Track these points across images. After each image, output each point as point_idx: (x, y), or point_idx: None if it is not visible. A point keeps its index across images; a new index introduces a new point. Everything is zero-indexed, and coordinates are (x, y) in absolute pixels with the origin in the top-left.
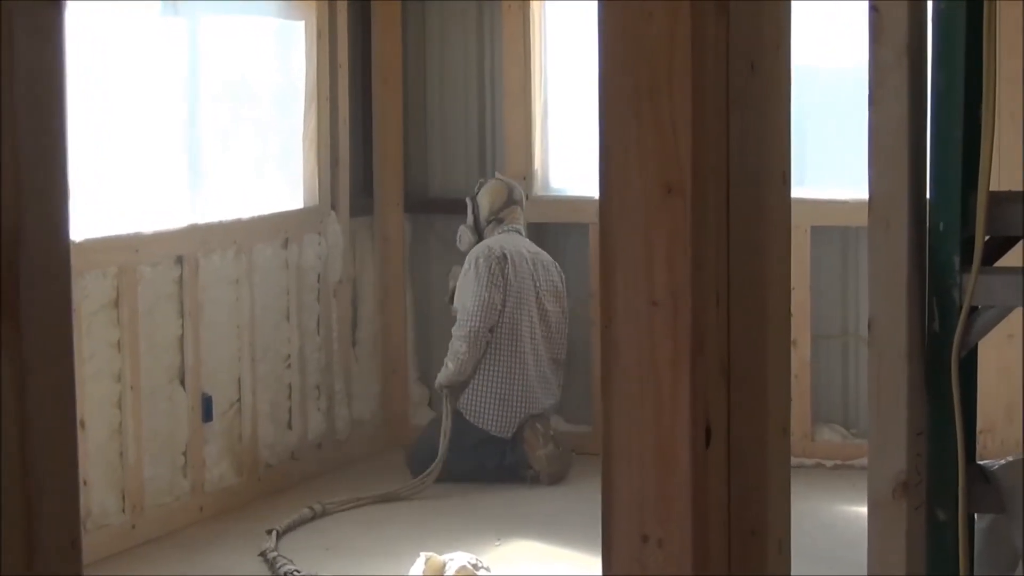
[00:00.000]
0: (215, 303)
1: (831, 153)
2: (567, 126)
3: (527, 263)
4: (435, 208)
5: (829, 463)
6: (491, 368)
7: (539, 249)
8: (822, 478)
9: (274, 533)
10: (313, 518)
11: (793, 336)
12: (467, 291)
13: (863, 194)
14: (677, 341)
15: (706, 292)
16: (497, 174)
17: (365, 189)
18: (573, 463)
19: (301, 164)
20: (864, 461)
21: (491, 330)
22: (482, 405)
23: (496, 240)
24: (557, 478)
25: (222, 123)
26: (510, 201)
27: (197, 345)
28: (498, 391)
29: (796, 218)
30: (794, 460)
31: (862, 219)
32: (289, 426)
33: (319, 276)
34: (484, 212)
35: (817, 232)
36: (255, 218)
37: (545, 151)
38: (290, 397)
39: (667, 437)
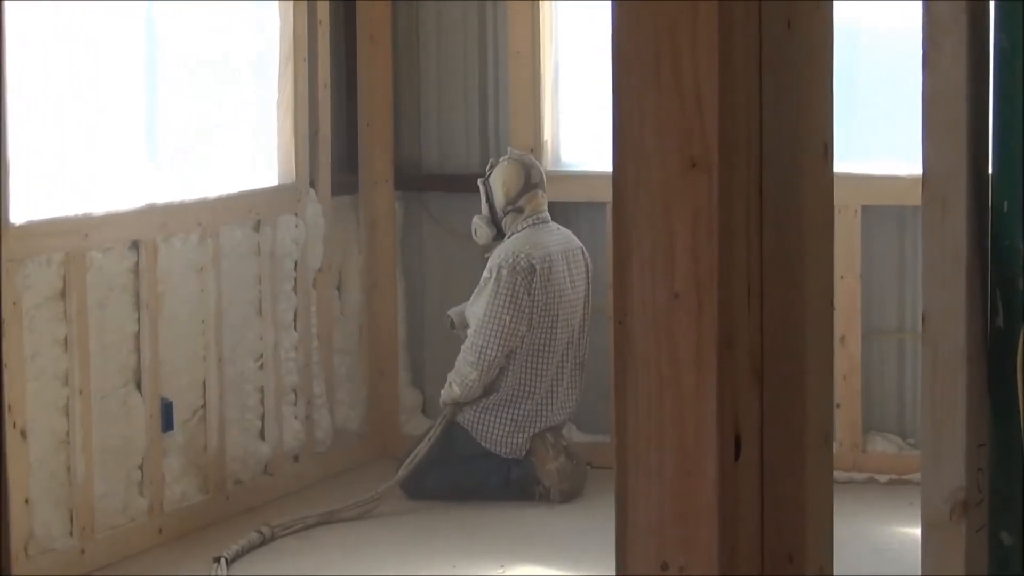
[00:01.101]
0: (176, 294)
1: (884, 122)
2: (581, 91)
3: (561, 265)
4: (430, 185)
5: (882, 478)
6: (506, 388)
7: (568, 235)
8: (874, 495)
9: (222, 560)
10: (263, 543)
11: (841, 332)
12: (483, 304)
13: (920, 169)
14: (702, 338)
15: (735, 282)
16: (511, 149)
17: (349, 164)
18: (588, 478)
19: (275, 135)
20: None
21: (509, 355)
22: (490, 425)
23: (522, 243)
24: (570, 495)
25: (185, 90)
26: (528, 186)
27: (155, 343)
28: (511, 413)
29: (844, 197)
30: (843, 474)
31: (920, 198)
32: (261, 436)
33: (296, 263)
34: (499, 200)
35: (869, 213)
36: (222, 197)
37: (556, 120)
38: (263, 403)
39: (690, 448)
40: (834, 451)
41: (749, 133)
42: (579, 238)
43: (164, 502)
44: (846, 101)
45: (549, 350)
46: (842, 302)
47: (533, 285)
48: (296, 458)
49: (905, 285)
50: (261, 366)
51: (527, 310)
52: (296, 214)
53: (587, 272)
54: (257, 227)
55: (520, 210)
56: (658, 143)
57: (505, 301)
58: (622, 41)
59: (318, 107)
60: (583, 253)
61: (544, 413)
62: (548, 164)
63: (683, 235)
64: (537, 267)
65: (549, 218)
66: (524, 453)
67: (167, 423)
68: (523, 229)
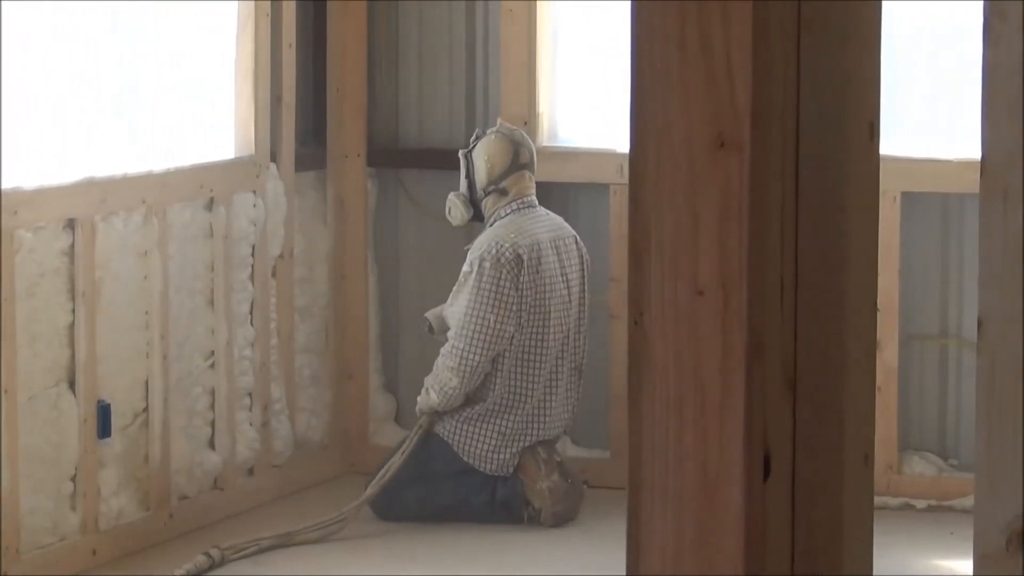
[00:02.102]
0: (116, 281)
1: (926, 98)
2: (585, 55)
3: (551, 255)
4: (408, 161)
5: (920, 503)
6: (492, 396)
7: (558, 221)
8: (911, 522)
9: None
10: (212, 567)
11: (877, 338)
12: (464, 303)
13: (970, 152)
14: (728, 341)
15: (768, 278)
16: (500, 122)
17: (316, 135)
18: (584, 498)
19: (232, 101)
20: (967, 501)
21: (495, 360)
22: (474, 438)
23: (506, 231)
24: (563, 518)
25: (130, 49)
26: (515, 165)
27: (92, 337)
28: (498, 424)
29: (882, 182)
30: (876, 499)
31: (968, 184)
32: (211, 446)
33: (253, 248)
34: (481, 178)
35: (909, 200)
36: (171, 171)
37: (553, 89)
38: (213, 408)
39: (713, 467)
40: None
41: (785, 107)
42: (578, 224)
43: (99, 519)
44: (889, 76)
45: (541, 353)
46: (878, 302)
47: (520, 279)
48: (251, 471)
49: (949, 284)
50: (212, 365)
51: (514, 307)
52: (254, 192)
53: (582, 263)
54: (209, 206)
55: (504, 192)
56: (682, 118)
57: (489, 298)
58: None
59: (281, 70)
60: (577, 242)
61: (535, 425)
62: (543, 139)
63: (709, 223)
64: (524, 257)
65: (536, 202)
66: (512, 470)
67: (104, 429)
68: (507, 215)
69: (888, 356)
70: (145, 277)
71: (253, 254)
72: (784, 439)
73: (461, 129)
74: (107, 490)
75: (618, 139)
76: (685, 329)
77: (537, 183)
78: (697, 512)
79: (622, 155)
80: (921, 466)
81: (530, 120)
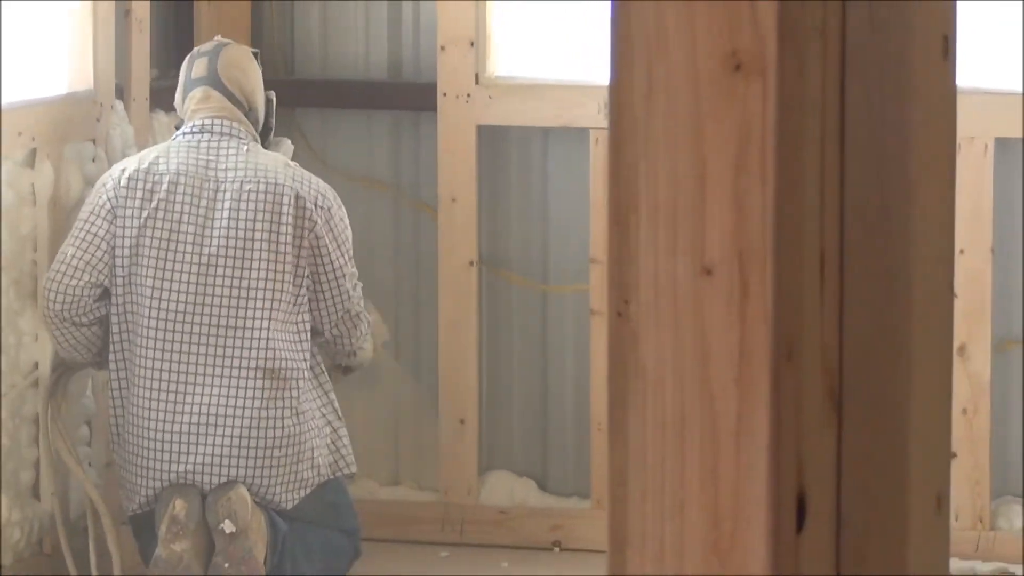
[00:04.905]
0: None
1: None
2: None
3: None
4: (307, 98)
5: (1020, 569)
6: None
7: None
8: None
9: None
10: None
11: (961, 339)
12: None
13: None
14: (747, 340)
15: (802, 252)
16: (218, 38)
17: (178, 62)
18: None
19: (63, 18)
20: None
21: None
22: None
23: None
24: None
25: None
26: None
27: None
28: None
29: (968, 125)
30: (960, 563)
31: None
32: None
33: None
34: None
35: (1006, 149)
36: None
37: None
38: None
39: (727, 514)
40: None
41: (826, 16)
42: (547, 183)
43: None
44: None
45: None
46: (962, 291)
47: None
48: None
49: None
50: (36, 382)
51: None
52: (93, 141)
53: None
54: (31, 161)
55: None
56: (683, 29)
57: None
58: None
59: None
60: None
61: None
62: (495, 68)
63: (720, 176)
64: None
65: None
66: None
67: None
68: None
69: (978, 367)
70: None
71: None
72: (825, 475)
73: (383, 55)
74: None
75: (599, 68)
76: (687, 323)
77: (488, 127)
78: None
79: (604, 88)
80: (1020, 519)
81: (478, 41)
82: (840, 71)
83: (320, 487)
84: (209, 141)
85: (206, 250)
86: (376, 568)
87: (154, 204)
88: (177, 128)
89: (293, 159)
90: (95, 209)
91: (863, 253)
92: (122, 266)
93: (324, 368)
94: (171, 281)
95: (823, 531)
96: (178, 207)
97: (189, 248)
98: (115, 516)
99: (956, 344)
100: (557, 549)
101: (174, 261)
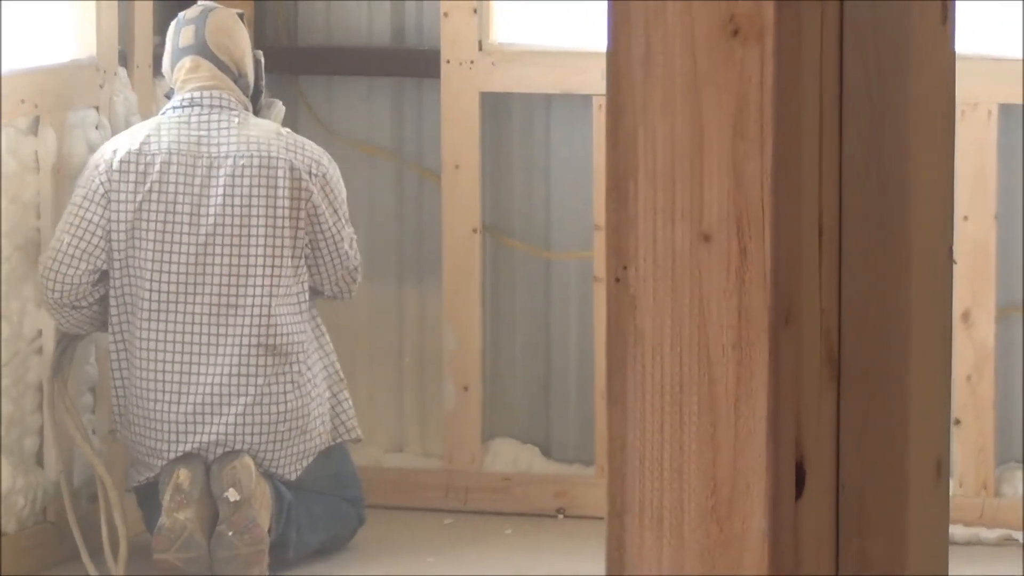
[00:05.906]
0: None
1: None
2: None
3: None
4: (311, 65)
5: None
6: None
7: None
8: (1011, 561)
9: None
10: None
11: (965, 306)
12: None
13: None
14: (746, 306)
15: (800, 217)
16: (202, 2)
17: None
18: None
19: None
20: None
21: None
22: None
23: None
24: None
25: None
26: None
27: None
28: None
29: (972, 91)
30: (964, 530)
31: None
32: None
33: None
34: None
35: (1010, 115)
36: None
37: None
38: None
39: (726, 479)
40: (951, 494)
41: None
42: (549, 152)
43: None
44: None
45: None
46: (966, 258)
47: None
48: None
49: None
50: (40, 350)
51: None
52: (96, 108)
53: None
54: (34, 128)
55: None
56: None
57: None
58: None
59: None
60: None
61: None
62: (495, 36)
63: (718, 142)
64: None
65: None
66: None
67: None
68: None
69: (981, 334)
70: None
71: None
72: (824, 441)
73: (386, 22)
74: None
75: (602, 34)
76: (686, 288)
77: (491, 94)
78: (703, 542)
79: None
80: None
81: (481, 7)
82: (838, 36)
83: (324, 455)
84: (200, 115)
85: (203, 229)
86: (380, 535)
87: (148, 186)
88: (167, 96)
89: (297, 126)
90: (88, 194)
91: (862, 218)
92: (119, 249)
93: (324, 329)
94: (169, 262)
95: (822, 497)
96: (172, 187)
97: (185, 228)
98: (120, 487)
99: (960, 311)
100: (561, 516)
101: (171, 242)
